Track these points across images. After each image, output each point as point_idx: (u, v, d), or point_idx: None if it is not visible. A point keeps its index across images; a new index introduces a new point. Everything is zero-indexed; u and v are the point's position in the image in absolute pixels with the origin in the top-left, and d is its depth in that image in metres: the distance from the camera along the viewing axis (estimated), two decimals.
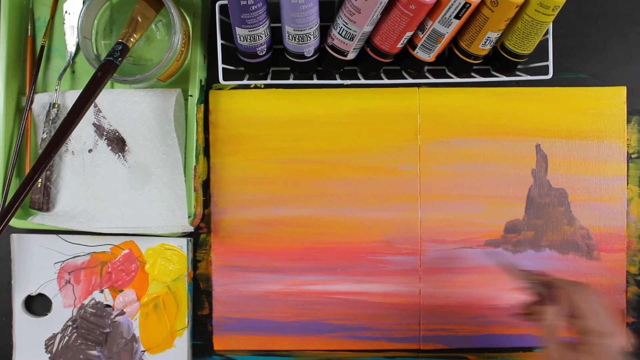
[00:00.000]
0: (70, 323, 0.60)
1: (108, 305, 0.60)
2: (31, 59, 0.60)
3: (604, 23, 0.61)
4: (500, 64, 0.56)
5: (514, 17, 0.51)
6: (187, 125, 0.58)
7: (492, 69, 0.59)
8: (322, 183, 0.61)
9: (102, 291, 0.60)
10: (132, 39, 0.54)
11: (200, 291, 0.61)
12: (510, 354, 0.61)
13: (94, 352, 0.60)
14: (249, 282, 0.61)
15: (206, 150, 0.61)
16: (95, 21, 0.58)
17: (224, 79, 0.56)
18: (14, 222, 0.59)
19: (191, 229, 0.58)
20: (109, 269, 0.60)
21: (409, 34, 0.52)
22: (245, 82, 0.57)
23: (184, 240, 0.60)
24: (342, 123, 0.61)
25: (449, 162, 0.60)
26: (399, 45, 0.53)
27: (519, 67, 0.58)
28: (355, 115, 0.61)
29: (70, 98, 0.59)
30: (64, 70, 0.60)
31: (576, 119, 0.60)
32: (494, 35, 0.52)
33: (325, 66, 0.57)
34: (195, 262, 0.61)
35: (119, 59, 0.52)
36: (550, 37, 0.54)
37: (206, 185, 0.61)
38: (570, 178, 0.60)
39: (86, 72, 0.61)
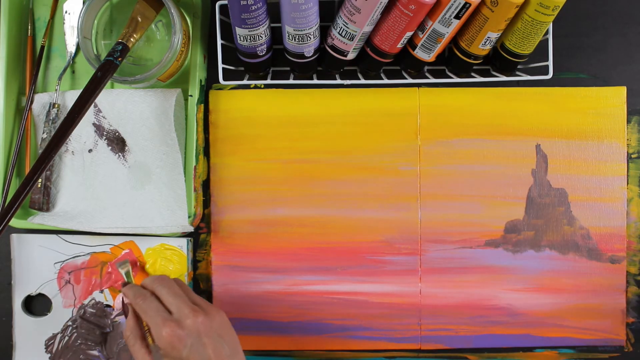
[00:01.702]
0: (70, 323, 0.60)
1: (108, 305, 0.60)
2: (31, 59, 0.60)
3: (604, 23, 0.61)
4: (500, 64, 0.56)
5: (514, 17, 0.51)
6: (187, 125, 0.58)
7: (492, 69, 0.59)
8: (322, 183, 0.61)
9: (102, 291, 0.60)
10: (132, 39, 0.54)
11: (200, 291, 0.61)
12: (510, 354, 0.61)
13: (94, 352, 0.60)
14: (249, 282, 0.61)
15: (206, 150, 0.61)
16: (95, 21, 0.58)
17: (224, 79, 0.56)
18: (14, 222, 0.59)
19: (191, 229, 0.58)
20: (109, 269, 0.60)
21: (409, 34, 0.52)
22: (245, 82, 0.57)
23: (184, 240, 0.60)
24: (342, 123, 0.61)
25: (449, 162, 0.60)
26: (399, 45, 0.53)
27: (519, 67, 0.58)
28: (355, 115, 0.61)
29: (70, 98, 0.59)
30: (64, 70, 0.60)
31: (576, 119, 0.60)
32: (494, 35, 0.52)
33: (325, 66, 0.57)
34: (195, 262, 0.61)
35: (119, 59, 0.52)
36: (550, 37, 0.54)
37: (206, 185, 0.61)
38: (570, 178, 0.60)
39: (86, 72, 0.61)
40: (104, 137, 0.59)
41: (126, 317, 0.54)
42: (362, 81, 0.57)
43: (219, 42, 0.55)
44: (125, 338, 0.50)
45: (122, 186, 0.59)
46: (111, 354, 0.60)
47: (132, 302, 0.50)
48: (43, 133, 0.59)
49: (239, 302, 0.61)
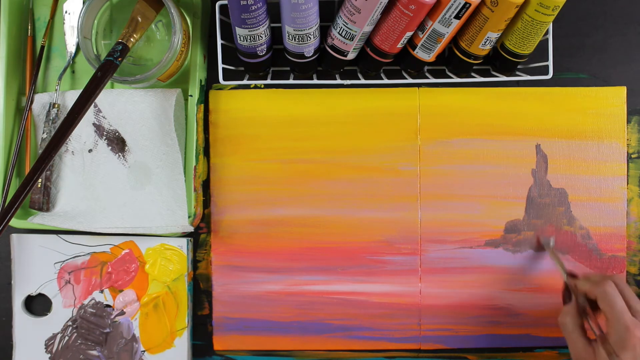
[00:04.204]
0: (70, 323, 0.60)
1: (108, 305, 0.60)
2: (31, 59, 0.60)
3: (604, 23, 0.61)
4: (500, 64, 0.56)
5: (514, 17, 0.51)
6: (187, 125, 0.58)
7: (492, 69, 0.59)
8: (322, 183, 0.61)
9: (102, 291, 0.60)
10: (132, 39, 0.54)
11: (200, 291, 0.61)
12: (510, 354, 0.61)
13: (94, 352, 0.60)
14: (249, 282, 0.61)
15: (206, 150, 0.61)
16: (95, 21, 0.58)
17: (224, 79, 0.56)
18: (14, 222, 0.59)
19: (191, 229, 0.58)
20: (109, 269, 0.60)
21: (409, 34, 0.52)
22: (245, 82, 0.57)
23: (184, 240, 0.60)
24: (342, 123, 0.61)
25: (449, 162, 0.60)
26: (399, 45, 0.53)
27: (519, 67, 0.58)
28: (355, 115, 0.61)
29: (70, 98, 0.59)
30: (64, 70, 0.60)
31: (576, 119, 0.60)
32: (494, 35, 0.52)
33: (325, 66, 0.57)
34: (195, 262, 0.61)
35: (119, 59, 0.52)
36: (550, 37, 0.54)
37: (206, 185, 0.61)
38: (570, 178, 0.60)
39: (86, 72, 0.61)
40: (104, 137, 0.59)
41: (565, 302, 0.54)
42: (362, 81, 0.57)
43: (219, 42, 0.55)
44: (561, 324, 0.51)
45: (122, 186, 0.59)
46: (111, 354, 0.60)
47: (593, 289, 0.50)
48: (43, 133, 0.59)
49: (239, 302, 0.61)
